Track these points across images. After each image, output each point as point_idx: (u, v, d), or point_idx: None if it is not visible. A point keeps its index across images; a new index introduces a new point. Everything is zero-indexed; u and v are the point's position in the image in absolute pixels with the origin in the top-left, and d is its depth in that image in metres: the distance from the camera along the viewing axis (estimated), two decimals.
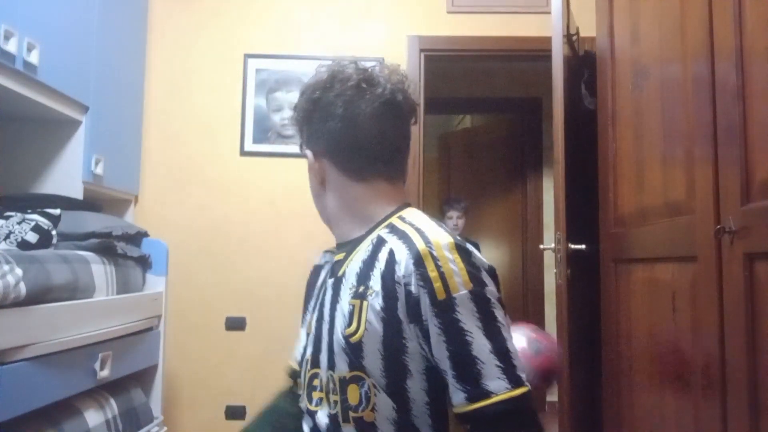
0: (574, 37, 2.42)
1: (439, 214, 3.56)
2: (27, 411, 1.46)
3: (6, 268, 1.40)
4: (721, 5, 1.27)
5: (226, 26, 2.80)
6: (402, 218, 0.87)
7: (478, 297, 0.76)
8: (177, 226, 2.68)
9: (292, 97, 2.75)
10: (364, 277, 0.83)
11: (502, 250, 4.14)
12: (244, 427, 1.03)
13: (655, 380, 1.58)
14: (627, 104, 1.82)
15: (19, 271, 1.43)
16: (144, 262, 2.22)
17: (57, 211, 1.87)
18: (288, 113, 2.75)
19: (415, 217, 0.87)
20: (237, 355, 2.62)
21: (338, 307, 0.85)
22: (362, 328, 0.79)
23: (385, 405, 0.78)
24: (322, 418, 0.84)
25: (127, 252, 2.05)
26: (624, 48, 1.86)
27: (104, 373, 1.78)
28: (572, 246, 2.04)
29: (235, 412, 2.60)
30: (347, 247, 0.91)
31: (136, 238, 2.22)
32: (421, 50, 2.75)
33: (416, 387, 0.78)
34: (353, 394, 0.80)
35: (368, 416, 0.79)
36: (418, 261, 0.77)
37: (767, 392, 1.10)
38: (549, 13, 2.74)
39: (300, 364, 0.95)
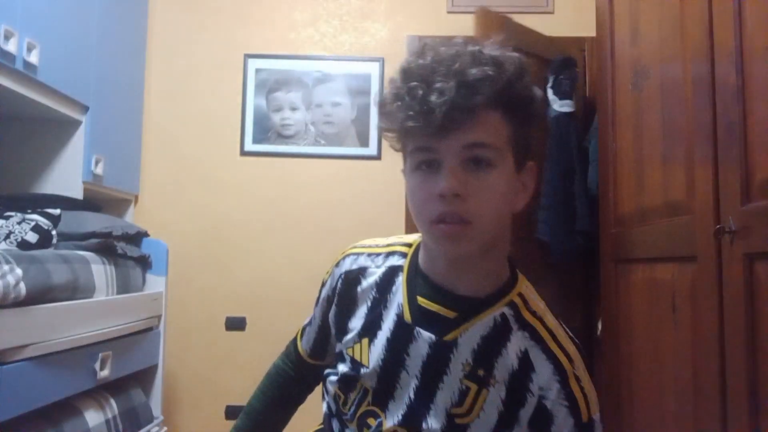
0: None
1: None
2: (27, 411, 1.46)
3: (6, 268, 1.40)
4: (721, 5, 1.27)
5: (226, 26, 2.80)
6: (525, 300, 0.81)
7: (601, 419, 0.78)
8: (177, 226, 2.68)
9: (292, 97, 2.75)
10: (484, 359, 0.77)
11: None
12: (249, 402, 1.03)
13: (654, 380, 1.58)
14: (627, 104, 1.82)
15: (19, 271, 1.43)
16: (144, 262, 2.22)
17: (57, 211, 1.87)
18: (288, 113, 2.75)
19: (536, 302, 0.82)
20: (237, 355, 2.63)
21: (445, 378, 0.78)
22: (475, 414, 0.77)
23: None
24: None
25: (127, 252, 2.05)
26: (624, 48, 1.86)
27: (104, 373, 1.79)
28: None
29: (235, 412, 2.60)
30: (459, 305, 0.78)
31: (136, 238, 2.22)
32: None
33: None
34: None
35: None
36: (564, 380, 0.76)
37: (767, 392, 1.10)
38: (549, 13, 2.75)
39: (341, 380, 0.87)
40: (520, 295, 0.81)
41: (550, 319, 0.81)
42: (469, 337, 0.78)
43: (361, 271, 0.88)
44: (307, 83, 2.75)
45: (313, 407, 1.06)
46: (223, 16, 2.80)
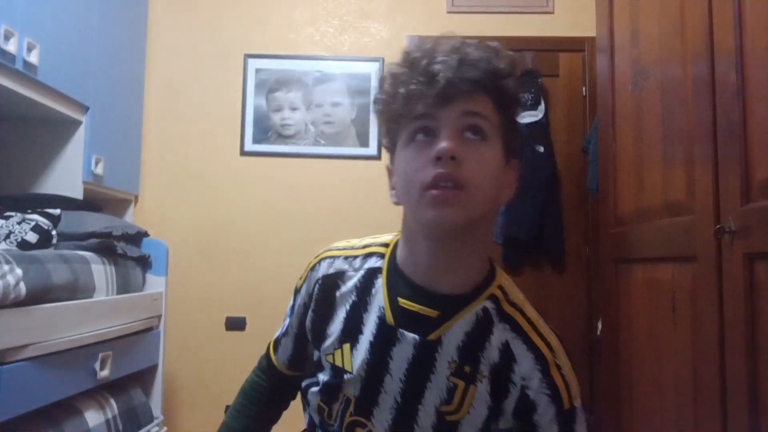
0: None
1: None
2: (27, 411, 1.46)
3: (6, 268, 1.40)
4: (721, 5, 1.27)
5: (226, 26, 2.80)
6: (505, 292, 0.82)
7: (584, 408, 0.79)
8: (177, 226, 2.68)
9: (292, 97, 2.75)
10: (469, 355, 0.78)
11: None
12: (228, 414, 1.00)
13: (654, 380, 1.58)
14: (627, 104, 1.82)
15: (19, 271, 1.43)
16: (144, 262, 2.22)
17: (57, 211, 1.87)
18: (288, 113, 2.75)
19: (515, 294, 0.83)
20: (237, 355, 2.62)
21: (432, 378, 0.78)
22: (465, 410, 0.78)
23: None
24: None
25: (127, 252, 2.05)
26: (624, 48, 1.86)
27: (104, 373, 1.78)
28: None
29: None
30: (440, 304, 0.78)
31: (136, 238, 2.22)
32: None
33: None
34: None
35: None
36: (545, 369, 0.77)
37: (767, 392, 1.10)
38: (549, 13, 2.75)
39: (323, 391, 0.87)
40: (500, 287, 0.82)
41: (530, 310, 0.82)
42: (453, 334, 0.78)
43: (339, 276, 0.86)
44: (307, 83, 2.75)
45: (293, 413, 1.05)
46: (223, 16, 2.80)
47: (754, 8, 1.17)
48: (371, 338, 0.81)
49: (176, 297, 2.54)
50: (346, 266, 0.87)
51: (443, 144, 0.70)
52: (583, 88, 2.71)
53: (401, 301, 0.80)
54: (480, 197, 0.72)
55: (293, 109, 2.75)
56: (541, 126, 2.60)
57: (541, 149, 2.58)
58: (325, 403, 0.86)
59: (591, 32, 2.27)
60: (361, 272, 0.85)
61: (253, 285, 2.67)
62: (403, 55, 0.76)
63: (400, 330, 0.79)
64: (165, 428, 2.20)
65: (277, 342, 0.98)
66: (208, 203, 2.72)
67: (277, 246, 2.70)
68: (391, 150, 0.80)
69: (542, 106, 2.61)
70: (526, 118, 2.58)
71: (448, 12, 2.79)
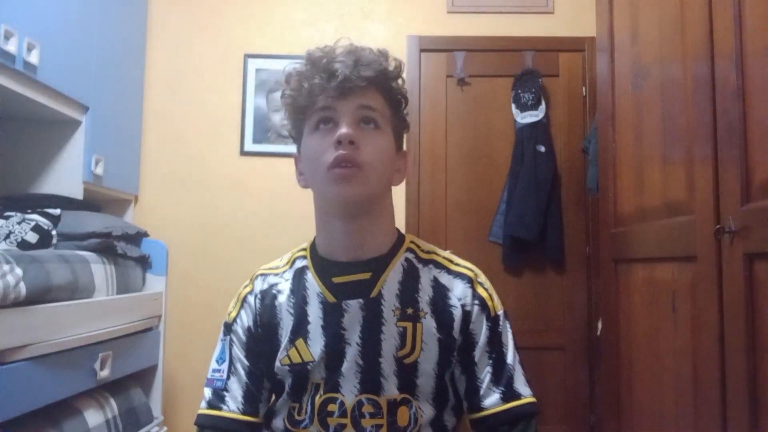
0: None
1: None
2: (27, 411, 1.46)
3: (6, 268, 1.40)
4: (721, 5, 1.27)
5: (226, 26, 2.80)
6: (417, 246, 0.94)
7: (507, 315, 0.91)
8: (177, 226, 2.68)
9: None
10: (407, 299, 0.87)
11: None
12: None
13: (654, 380, 1.58)
14: (627, 104, 1.82)
15: (19, 271, 1.43)
16: (144, 262, 2.22)
17: (57, 211, 1.88)
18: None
19: (426, 245, 0.95)
20: None
21: (384, 329, 0.86)
22: (418, 349, 0.86)
23: (427, 420, 0.86)
24: None
25: (127, 252, 2.05)
26: (624, 48, 1.86)
27: (104, 373, 1.79)
28: None
29: None
30: (368, 266, 0.88)
31: (136, 238, 2.22)
32: (421, 50, 2.75)
33: (451, 396, 0.90)
34: (403, 416, 0.85)
35: None
36: (473, 286, 0.89)
37: (767, 392, 1.10)
38: (549, 13, 2.75)
39: (290, 394, 0.89)
40: (412, 242, 0.95)
41: (442, 252, 0.95)
42: (389, 286, 0.88)
43: (273, 287, 0.93)
44: None
45: None
46: (223, 16, 2.80)
47: (754, 8, 1.17)
48: (321, 323, 0.88)
49: (176, 297, 2.54)
50: (277, 279, 0.94)
51: (343, 130, 0.81)
52: (583, 88, 2.71)
53: (335, 279, 0.89)
54: (376, 176, 0.84)
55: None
56: (542, 126, 2.61)
57: (543, 149, 2.58)
58: (296, 400, 0.89)
59: (591, 32, 2.27)
60: (291, 276, 0.93)
61: None
62: (306, 55, 0.87)
63: (344, 302, 0.87)
64: (165, 428, 2.20)
65: (217, 397, 0.92)
66: (208, 203, 2.72)
67: (277, 246, 2.68)
68: (297, 139, 0.93)
69: (543, 106, 2.62)
70: (527, 118, 2.60)
71: (448, 12, 2.79)
